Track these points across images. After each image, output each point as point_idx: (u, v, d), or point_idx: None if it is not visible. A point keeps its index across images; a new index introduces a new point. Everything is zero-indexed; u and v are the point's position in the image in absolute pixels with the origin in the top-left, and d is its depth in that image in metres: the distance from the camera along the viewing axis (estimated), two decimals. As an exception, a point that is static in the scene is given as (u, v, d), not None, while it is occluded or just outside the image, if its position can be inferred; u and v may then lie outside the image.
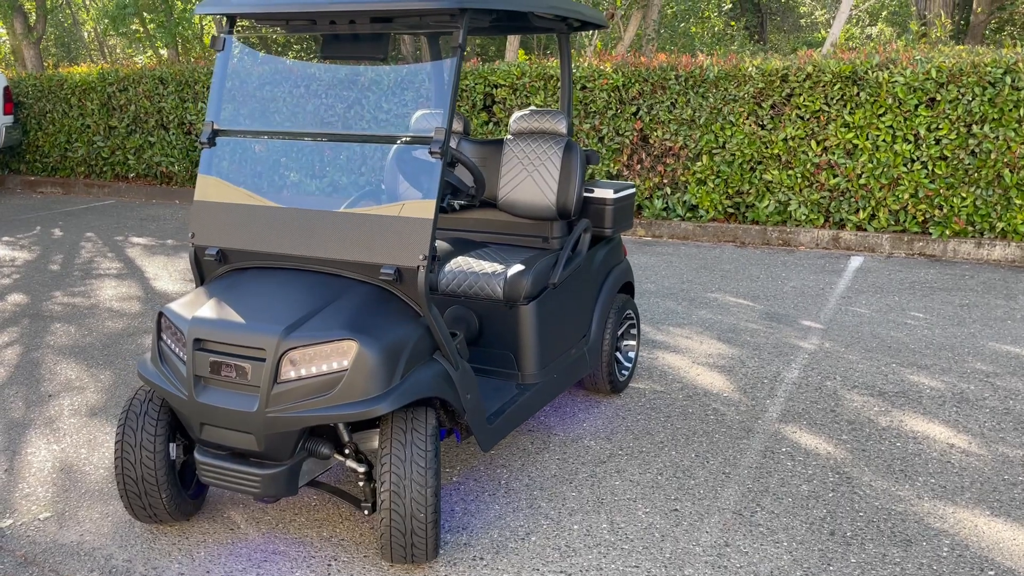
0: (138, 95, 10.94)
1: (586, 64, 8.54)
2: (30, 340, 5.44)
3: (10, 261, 7.66)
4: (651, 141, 8.25)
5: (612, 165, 8.41)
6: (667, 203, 8.29)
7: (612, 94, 8.30)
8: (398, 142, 3.07)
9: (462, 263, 3.75)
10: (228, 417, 2.83)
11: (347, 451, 3.00)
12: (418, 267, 2.91)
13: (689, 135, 8.03)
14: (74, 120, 11.54)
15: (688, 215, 8.23)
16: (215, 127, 3.30)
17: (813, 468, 3.63)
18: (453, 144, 4.23)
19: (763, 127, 7.82)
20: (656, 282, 6.60)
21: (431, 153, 2.91)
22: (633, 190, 4.40)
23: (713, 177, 8.02)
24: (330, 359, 2.78)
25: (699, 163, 8.02)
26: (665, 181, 8.27)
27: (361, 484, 3.00)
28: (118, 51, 23.18)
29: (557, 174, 4.03)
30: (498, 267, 3.69)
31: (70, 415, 4.28)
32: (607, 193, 4.18)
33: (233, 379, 2.83)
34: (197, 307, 3.00)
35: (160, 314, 3.08)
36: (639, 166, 8.34)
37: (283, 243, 3.11)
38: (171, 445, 3.10)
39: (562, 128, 4.10)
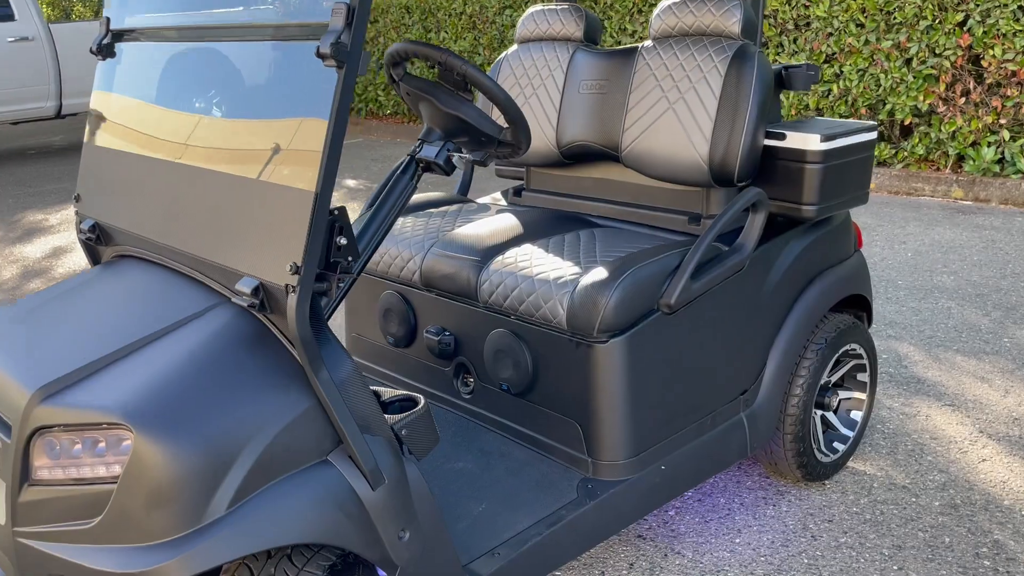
0: (386, 26, 10.30)
1: (895, -43, 6.18)
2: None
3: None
4: (984, 63, 5.76)
5: (921, 98, 6.05)
6: (1003, 153, 5.79)
7: (929, -3, 5.90)
8: (277, 39, 1.65)
9: (520, 259, 2.21)
10: (-15, 521, 1.66)
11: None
12: (286, 286, 1.48)
13: (1046, 53, 5.46)
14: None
15: (1035, 171, 5.68)
16: (110, 27, 2.10)
17: None
18: (566, 52, 2.64)
19: None
20: (959, 273, 4.40)
21: (320, 56, 1.44)
22: (871, 135, 2.48)
23: (1081, 115, 5.39)
24: (97, 459, 1.47)
25: (1059, 94, 5.43)
26: (1002, 122, 5.77)
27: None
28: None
29: (715, 105, 2.30)
30: (573, 270, 2.11)
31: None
32: (809, 140, 2.33)
33: (-10, 460, 1.64)
34: (5, 322, 1.85)
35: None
36: (963, 99, 5.89)
37: (151, 221, 1.85)
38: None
39: (734, 24, 2.34)
